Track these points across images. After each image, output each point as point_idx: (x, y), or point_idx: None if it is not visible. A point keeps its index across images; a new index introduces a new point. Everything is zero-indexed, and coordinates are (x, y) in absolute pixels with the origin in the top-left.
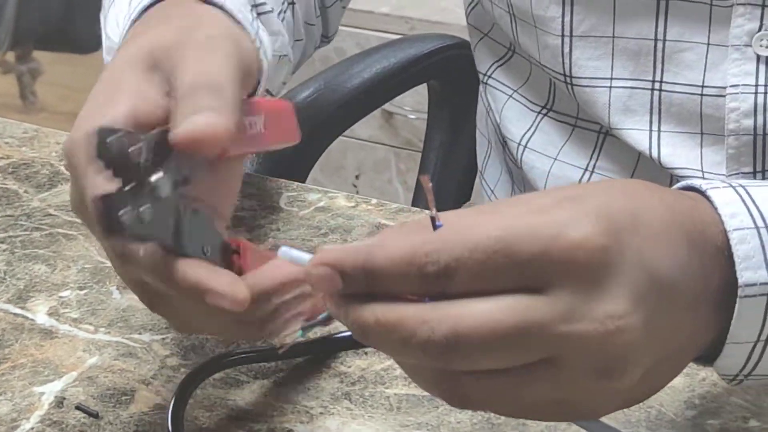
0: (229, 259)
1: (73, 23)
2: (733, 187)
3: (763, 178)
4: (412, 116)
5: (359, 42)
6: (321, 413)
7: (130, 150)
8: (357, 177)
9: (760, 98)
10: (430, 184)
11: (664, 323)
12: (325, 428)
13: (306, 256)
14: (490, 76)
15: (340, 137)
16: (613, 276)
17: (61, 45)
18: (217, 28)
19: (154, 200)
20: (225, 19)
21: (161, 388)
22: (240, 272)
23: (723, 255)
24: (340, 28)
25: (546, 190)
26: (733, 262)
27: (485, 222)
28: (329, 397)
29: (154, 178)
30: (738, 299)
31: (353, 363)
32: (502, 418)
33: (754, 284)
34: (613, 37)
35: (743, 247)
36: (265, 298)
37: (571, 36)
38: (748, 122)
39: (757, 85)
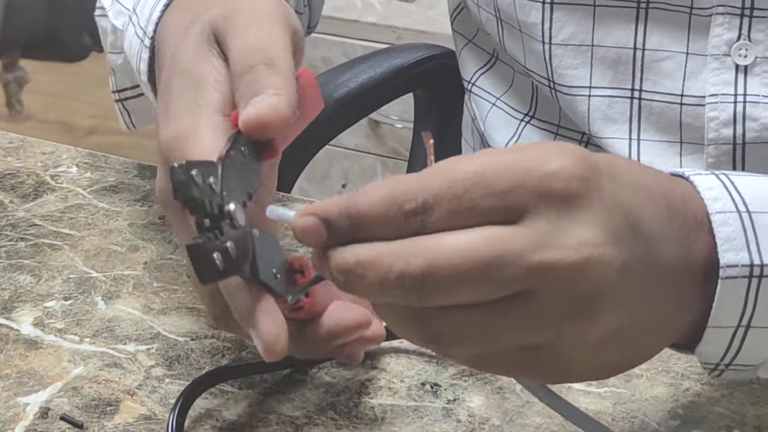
0: (294, 279)
1: (58, 32)
2: (716, 175)
3: None
4: (399, 125)
5: (346, 51)
6: (306, 423)
7: (204, 183)
8: (343, 186)
9: (740, 107)
10: (432, 141)
11: (640, 280)
12: None
13: (291, 213)
14: (474, 84)
15: (327, 146)
16: (589, 207)
17: (47, 54)
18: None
19: (234, 233)
20: None
21: (146, 399)
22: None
23: (704, 231)
24: (327, 37)
25: None
26: (716, 244)
27: (465, 160)
28: (314, 408)
29: (231, 207)
30: (720, 280)
31: (338, 374)
32: (486, 427)
33: (736, 265)
34: (593, 45)
35: (725, 229)
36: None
37: (551, 43)
38: (728, 131)
39: (736, 95)
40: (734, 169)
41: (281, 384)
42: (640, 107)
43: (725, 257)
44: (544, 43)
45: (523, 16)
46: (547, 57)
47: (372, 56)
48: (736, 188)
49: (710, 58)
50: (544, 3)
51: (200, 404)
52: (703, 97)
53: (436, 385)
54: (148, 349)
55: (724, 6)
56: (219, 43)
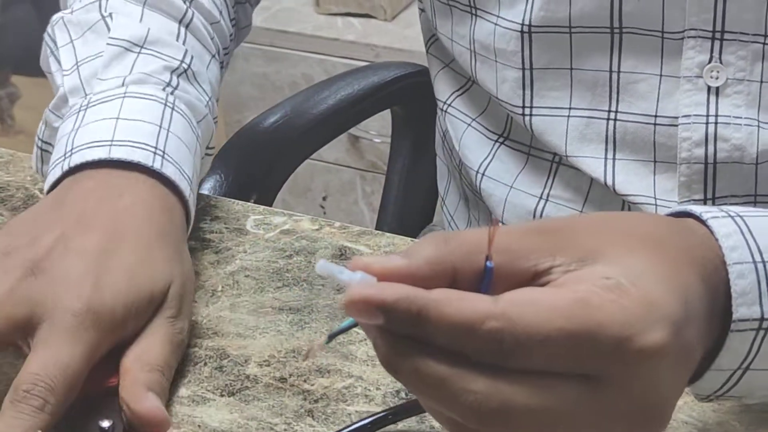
0: None
1: None
2: (732, 217)
3: (714, 205)
4: (377, 140)
5: (326, 68)
6: (285, 430)
7: None
8: (324, 198)
9: (711, 128)
10: (498, 225)
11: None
12: None
13: (345, 276)
14: (449, 105)
15: (308, 160)
16: (664, 369)
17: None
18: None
19: None
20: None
21: None
22: None
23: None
24: (308, 55)
25: (598, 232)
26: (729, 294)
27: (552, 305)
28: (293, 414)
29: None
30: (729, 333)
31: (316, 381)
32: None
33: (747, 319)
34: (571, 68)
35: (741, 282)
36: None
37: (531, 69)
38: (700, 151)
39: (708, 116)
40: (705, 186)
41: (261, 391)
42: (615, 128)
43: (739, 311)
44: (524, 69)
45: (502, 44)
46: (527, 82)
47: (351, 73)
48: (751, 233)
49: (683, 80)
50: (522, 33)
51: (181, 410)
52: (676, 117)
53: (410, 393)
54: None
55: (695, 30)
56: None
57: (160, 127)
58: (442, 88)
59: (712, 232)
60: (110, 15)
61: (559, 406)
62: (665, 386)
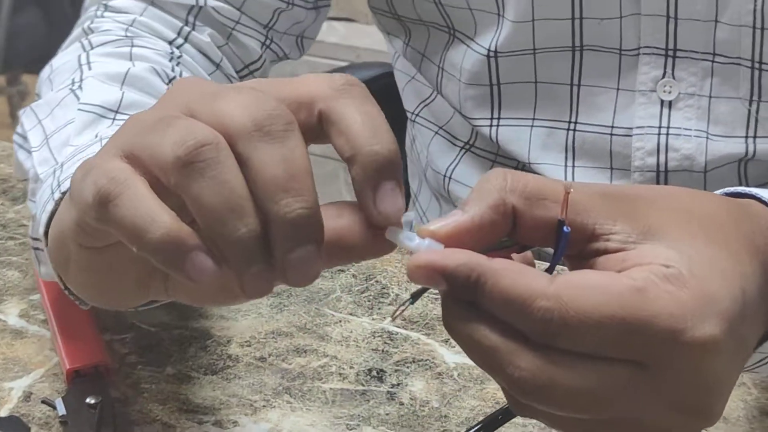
0: None
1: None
2: None
3: None
4: None
5: (311, 68)
6: (263, 406)
7: None
8: None
9: (663, 139)
10: (571, 191)
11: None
12: (267, 420)
13: (414, 243)
14: (417, 115)
15: None
16: (716, 363)
17: None
18: None
19: None
20: None
21: (120, 383)
22: None
23: None
24: None
25: (661, 206)
26: None
27: (608, 291)
28: (271, 392)
29: None
30: None
31: (293, 360)
32: (426, 409)
33: None
34: (535, 83)
35: None
36: None
37: (498, 84)
38: (652, 160)
39: (660, 127)
40: None
41: (242, 370)
42: (574, 137)
43: None
44: (492, 85)
45: (468, 65)
46: (494, 97)
47: None
48: None
49: (638, 93)
50: (488, 57)
51: (167, 387)
52: (631, 128)
53: (381, 371)
54: (123, 338)
55: (650, 47)
56: None
57: None
58: (410, 99)
59: None
60: (80, 86)
61: (605, 391)
62: (716, 380)
